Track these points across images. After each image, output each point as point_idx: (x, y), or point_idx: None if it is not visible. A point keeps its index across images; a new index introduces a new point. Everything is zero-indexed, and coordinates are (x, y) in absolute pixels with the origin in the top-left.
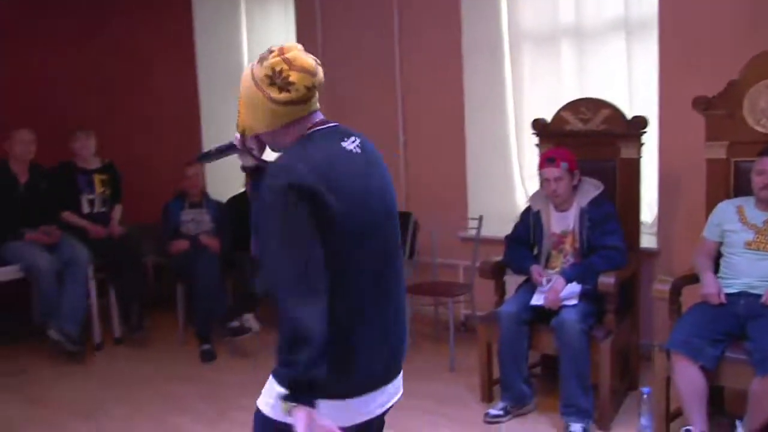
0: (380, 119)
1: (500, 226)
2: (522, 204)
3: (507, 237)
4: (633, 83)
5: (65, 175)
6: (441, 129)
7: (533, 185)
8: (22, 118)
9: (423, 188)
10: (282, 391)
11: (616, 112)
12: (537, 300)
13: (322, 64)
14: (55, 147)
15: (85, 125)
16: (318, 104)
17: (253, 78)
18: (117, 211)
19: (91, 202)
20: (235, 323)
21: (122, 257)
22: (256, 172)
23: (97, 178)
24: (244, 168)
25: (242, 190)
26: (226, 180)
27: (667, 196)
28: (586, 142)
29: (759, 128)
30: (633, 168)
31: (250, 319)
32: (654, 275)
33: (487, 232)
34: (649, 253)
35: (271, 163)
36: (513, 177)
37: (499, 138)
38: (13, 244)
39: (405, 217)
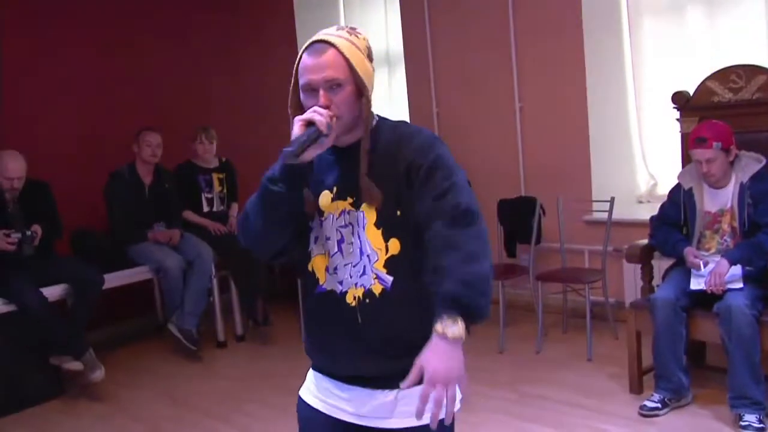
0: (495, 97)
1: (623, 208)
2: (644, 185)
3: (653, 218)
4: None
5: (187, 176)
6: (560, 105)
7: (656, 165)
8: (150, 118)
9: (543, 171)
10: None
11: None
12: (697, 284)
13: (432, 40)
14: (173, 149)
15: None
16: None
17: (359, 48)
18: (234, 209)
19: (210, 201)
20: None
21: (245, 254)
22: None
23: (215, 177)
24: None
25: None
26: None
27: None
28: (737, 113)
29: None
30: None
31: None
32: None
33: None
34: None
35: (419, 129)
36: (634, 157)
37: (621, 116)
38: (141, 246)
39: (530, 202)
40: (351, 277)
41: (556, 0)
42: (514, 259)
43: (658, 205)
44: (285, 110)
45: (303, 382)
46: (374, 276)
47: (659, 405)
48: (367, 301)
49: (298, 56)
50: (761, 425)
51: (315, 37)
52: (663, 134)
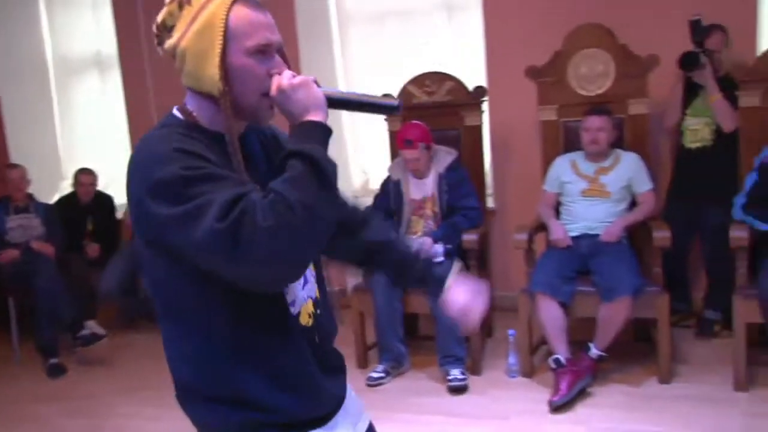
0: None
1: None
2: (357, 180)
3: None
4: (461, 57)
5: None
6: None
7: (368, 161)
8: None
9: None
10: None
11: (458, 84)
12: None
13: (149, 41)
14: None
15: None
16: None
17: None
18: None
19: None
20: (86, 332)
21: None
22: None
23: None
24: None
25: (71, 191)
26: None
27: (498, 160)
28: (432, 113)
29: (582, 92)
30: (476, 135)
31: (94, 326)
32: (493, 233)
33: None
34: (489, 212)
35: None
36: (348, 155)
37: (334, 118)
38: None
39: None
40: (301, 290)
41: (269, 8)
42: None
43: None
44: None
45: None
46: (313, 280)
47: (383, 374)
48: (318, 312)
49: (225, 9)
50: (463, 377)
51: None
52: (373, 133)
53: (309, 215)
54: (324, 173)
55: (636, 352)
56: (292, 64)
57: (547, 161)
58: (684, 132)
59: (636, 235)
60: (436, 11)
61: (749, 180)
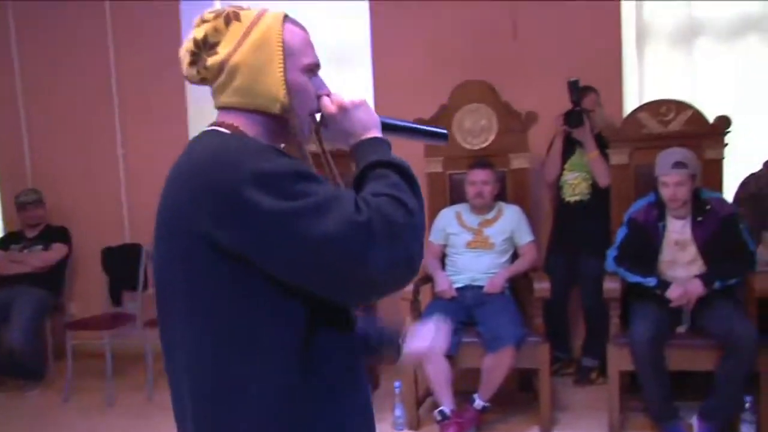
0: (98, 143)
1: None
2: None
3: None
4: None
5: None
6: (164, 149)
7: None
8: None
9: (150, 216)
10: None
11: None
12: None
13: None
14: None
15: None
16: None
17: None
18: None
19: None
20: None
21: None
22: None
23: None
24: None
25: None
26: None
27: None
28: (317, 164)
29: (466, 145)
30: None
31: None
32: None
33: None
34: None
35: None
36: None
37: None
38: None
39: (136, 249)
40: None
41: (157, 45)
42: (121, 308)
43: None
44: None
45: None
46: None
47: None
48: None
49: (279, 25)
50: None
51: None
52: None
53: (421, 218)
54: (416, 183)
55: (519, 402)
56: (178, 105)
57: (434, 213)
58: (563, 186)
59: (518, 286)
60: (325, 64)
61: (620, 233)
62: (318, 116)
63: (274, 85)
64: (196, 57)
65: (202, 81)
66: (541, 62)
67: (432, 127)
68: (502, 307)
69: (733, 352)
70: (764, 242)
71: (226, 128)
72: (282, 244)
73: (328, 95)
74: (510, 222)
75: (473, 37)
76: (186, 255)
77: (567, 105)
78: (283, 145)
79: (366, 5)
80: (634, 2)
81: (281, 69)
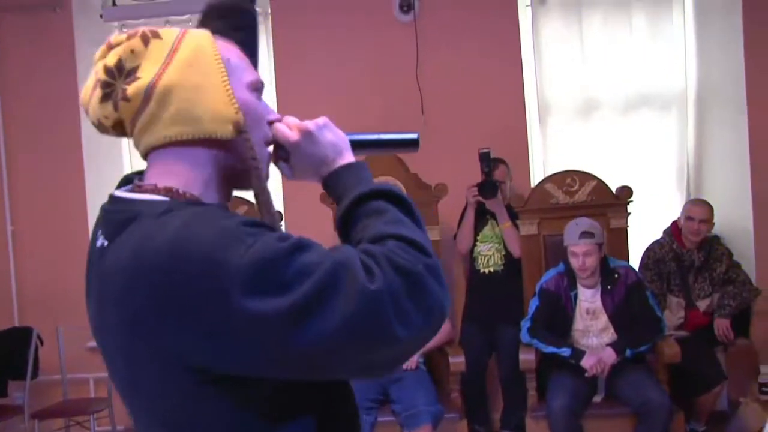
0: None
1: None
2: None
3: None
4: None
5: None
6: (60, 226)
7: None
8: None
9: (41, 298)
10: None
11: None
12: None
13: None
14: None
15: None
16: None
17: None
18: None
19: None
20: None
21: None
22: None
23: None
24: None
25: None
26: None
27: None
28: None
29: None
30: None
31: None
32: None
33: None
34: None
35: None
36: None
37: None
38: None
39: (25, 333)
40: None
41: (53, 118)
42: (6, 399)
43: None
44: None
45: None
46: None
47: None
48: None
49: (210, 40)
50: None
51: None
52: None
53: (435, 254)
54: (417, 212)
55: None
56: (76, 179)
57: None
58: (476, 258)
59: (433, 360)
60: None
61: (532, 304)
62: (271, 148)
63: (220, 102)
64: (110, 89)
65: (117, 125)
66: (449, 135)
67: (401, 133)
68: (418, 383)
69: (647, 418)
70: (669, 307)
71: (163, 194)
72: (291, 351)
73: (280, 120)
74: None
75: (380, 110)
76: (156, 379)
77: (476, 177)
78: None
79: (272, 78)
80: (534, 79)
81: (226, 82)
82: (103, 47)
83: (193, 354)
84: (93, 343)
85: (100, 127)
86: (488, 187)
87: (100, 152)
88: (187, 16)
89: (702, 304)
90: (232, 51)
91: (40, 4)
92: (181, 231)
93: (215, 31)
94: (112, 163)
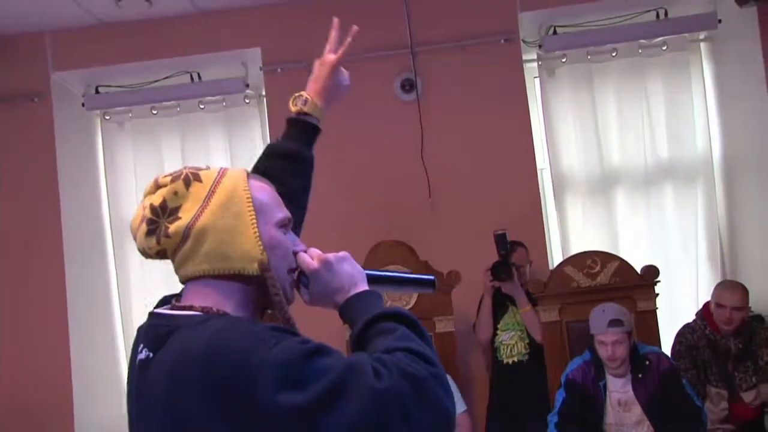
0: None
1: None
2: None
3: None
4: None
5: None
6: (39, 339)
7: None
8: None
9: (18, 413)
10: None
11: None
12: None
13: None
14: None
15: None
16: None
17: None
18: None
19: None
20: None
21: None
22: None
23: None
24: None
25: None
26: None
27: None
28: None
29: None
30: None
31: None
32: None
33: None
34: None
35: None
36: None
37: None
38: None
39: None
40: None
41: (35, 229)
42: None
43: None
44: None
45: None
46: None
47: None
48: None
49: (244, 182)
50: None
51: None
52: None
53: (442, 368)
54: (425, 332)
55: None
56: (56, 289)
57: None
58: (499, 348)
59: None
60: None
61: (558, 396)
62: (295, 275)
63: (248, 243)
64: (155, 225)
65: (159, 254)
66: (459, 218)
67: (418, 275)
68: None
69: None
70: (710, 397)
71: (198, 311)
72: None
73: (305, 251)
74: None
75: (387, 198)
76: None
77: (492, 261)
78: (269, 311)
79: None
80: (547, 154)
81: (254, 225)
82: (151, 183)
83: None
84: None
85: (144, 254)
86: (502, 268)
87: (82, 244)
88: (172, 102)
89: (747, 396)
90: (264, 191)
91: (18, 94)
92: (214, 337)
93: (269, 170)
94: (91, 251)
